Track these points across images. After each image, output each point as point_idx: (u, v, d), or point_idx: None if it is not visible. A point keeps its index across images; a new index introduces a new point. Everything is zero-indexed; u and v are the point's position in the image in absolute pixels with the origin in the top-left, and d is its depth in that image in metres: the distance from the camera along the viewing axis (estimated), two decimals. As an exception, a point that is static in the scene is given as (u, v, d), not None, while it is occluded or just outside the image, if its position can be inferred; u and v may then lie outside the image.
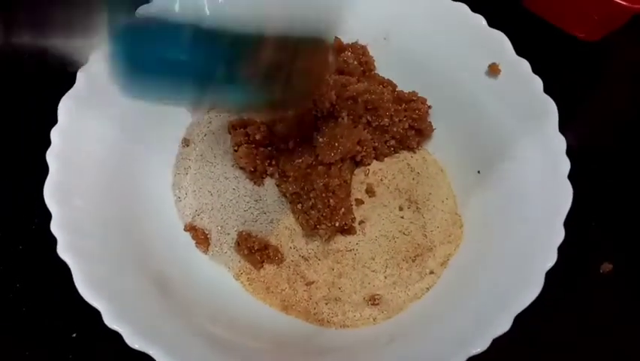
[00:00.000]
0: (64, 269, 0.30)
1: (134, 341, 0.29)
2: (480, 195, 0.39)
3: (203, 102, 0.31)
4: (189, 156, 0.42)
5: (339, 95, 0.38)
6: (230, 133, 0.42)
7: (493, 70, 0.39)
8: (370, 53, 0.44)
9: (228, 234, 0.39)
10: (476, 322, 0.31)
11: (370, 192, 0.41)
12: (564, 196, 0.34)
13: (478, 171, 0.40)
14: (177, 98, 0.31)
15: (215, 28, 0.29)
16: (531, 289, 0.31)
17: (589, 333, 0.38)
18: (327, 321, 0.36)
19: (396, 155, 0.43)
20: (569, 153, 0.35)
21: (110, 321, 0.29)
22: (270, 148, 0.40)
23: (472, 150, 0.41)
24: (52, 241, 0.31)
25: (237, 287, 0.38)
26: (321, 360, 0.34)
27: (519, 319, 0.30)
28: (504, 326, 0.30)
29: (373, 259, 0.39)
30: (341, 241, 0.39)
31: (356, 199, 0.41)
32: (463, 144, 0.41)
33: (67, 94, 0.36)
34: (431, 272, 0.38)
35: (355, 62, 0.42)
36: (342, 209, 0.38)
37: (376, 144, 0.41)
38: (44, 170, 0.33)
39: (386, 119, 0.41)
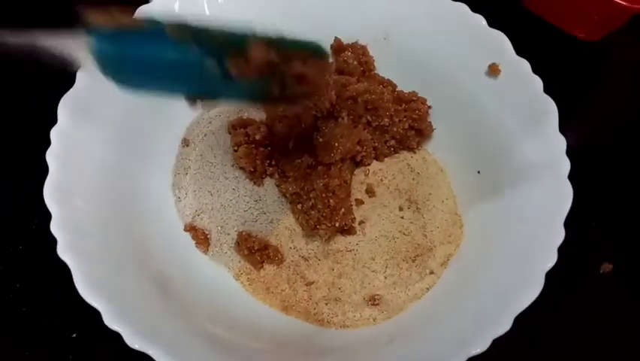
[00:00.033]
0: (64, 269, 0.30)
1: (133, 341, 0.29)
2: (480, 195, 0.39)
3: (199, 98, 0.31)
4: (189, 156, 0.42)
5: (339, 95, 0.38)
6: (230, 133, 0.42)
7: (493, 70, 0.39)
8: (370, 53, 0.44)
9: (228, 234, 0.39)
10: (476, 322, 0.31)
11: (370, 192, 0.41)
12: (564, 196, 0.34)
13: (478, 171, 0.40)
14: (169, 94, 0.31)
15: (204, 27, 0.29)
16: (531, 290, 0.31)
17: (589, 333, 0.38)
18: (327, 321, 0.37)
19: (397, 155, 0.43)
20: (569, 153, 0.35)
21: (110, 321, 0.29)
22: (270, 148, 0.40)
23: (472, 150, 0.41)
24: (52, 241, 0.31)
25: (237, 287, 0.38)
26: (321, 360, 0.34)
27: (519, 319, 0.30)
28: (504, 326, 0.30)
29: (373, 260, 0.39)
30: (341, 241, 0.39)
31: (356, 199, 0.41)
32: (463, 144, 0.41)
33: (67, 94, 0.36)
34: (431, 272, 0.38)
35: (355, 62, 0.42)
36: (342, 209, 0.38)
37: (376, 144, 0.41)
38: (44, 170, 0.33)
39: (386, 119, 0.41)
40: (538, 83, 0.37)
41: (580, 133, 0.45)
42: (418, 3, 0.41)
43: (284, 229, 0.40)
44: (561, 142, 0.35)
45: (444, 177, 0.42)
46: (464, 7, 0.40)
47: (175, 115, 0.42)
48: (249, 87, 0.29)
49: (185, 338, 0.32)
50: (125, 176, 0.37)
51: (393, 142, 0.42)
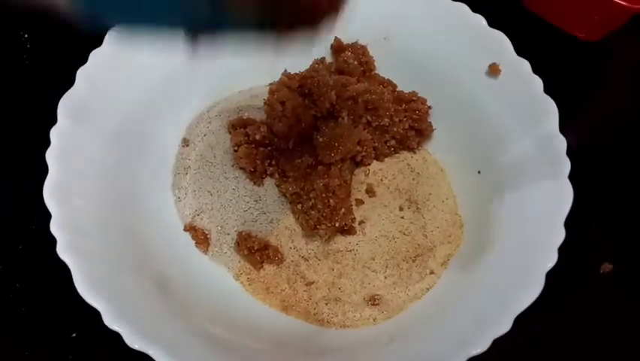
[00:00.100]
0: (64, 269, 0.30)
1: (133, 341, 0.29)
2: (480, 195, 0.39)
3: (196, 33, 0.28)
4: (189, 156, 0.42)
5: (339, 95, 0.38)
6: (230, 133, 0.42)
7: (493, 70, 0.39)
8: (370, 53, 0.44)
9: (228, 234, 0.39)
10: (476, 322, 0.31)
11: (370, 192, 0.41)
12: (564, 196, 0.34)
13: (479, 171, 0.40)
14: (161, 27, 0.27)
15: None
16: (531, 290, 0.31)
17: (589, 333, 0.38)
18: (327, 321, 0.36)
19: (397, 155, 0.43)
20: (569, 153, 0.35)
21: (110, 321, 0.29)
22: (270, 148, 0.40)
23: (472, 150, 0.41)
24: (52, 241, 0.31)
25: (237, 287, 0.38)
26: (321, 360, 0.34)
27: (519, 319, 0.30)
28: (504, 326, 0.30)
29: (373, 260, 0.39)
30: (341, 241, 0.39)
31: (356, 199, 0.41)
32: (463, 144, 0.41)
33: (66, 94, 0.36)
34: (431, 272, 0.38)
35: (355, 62, 0.42)
36: (342, 209, 0.38)
37: (376, 144, 0.41)
38: (44, 170, 0.33)
39: (386, 119, 0.41)
40: (538, 83, 0.37)
41: (580, 133, 0.45)
42: (418, 3, 0.41)
43: (284, 229, 0.40)
44: (561, 142, 0.35)
45: (444, 177, 0.42)
46: (464, 7, 0.40)
47: (175, 115, 0.42)
48: (246, 14, 0.25)
49: (185, 338, 0.32)
50: (125, 176, 0.37)
51: (393, 142, 0.42)
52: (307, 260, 0.39)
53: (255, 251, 0.38)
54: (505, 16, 0.40)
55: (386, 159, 0.42)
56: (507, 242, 0.35)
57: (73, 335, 0.36)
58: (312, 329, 0.36)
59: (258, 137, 0.40)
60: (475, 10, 0.40)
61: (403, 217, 0.40)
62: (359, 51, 0.43)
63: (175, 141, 0.42)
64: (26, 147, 0.39)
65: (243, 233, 0.39)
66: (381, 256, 0.39)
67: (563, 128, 0.36)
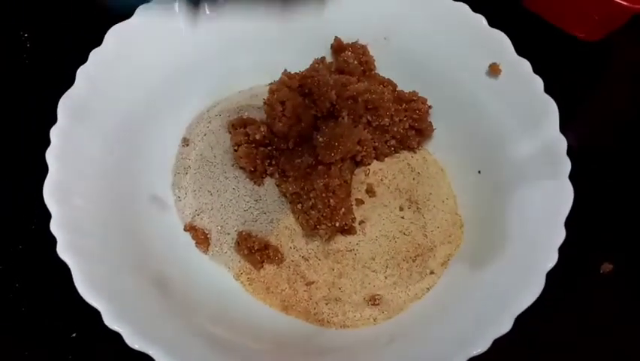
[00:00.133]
0: (64, 269, 0.30)
1: (134, 341, 0.29)
2: (480, 195, 0.39)
3: None
4: (189, 156, 0.42)
5: (339, 95, 0.38)
6: (230, 133, 0.42)
7: (493, 70, 0.39)
8: (370, 53, 0.44)
9: (228, 234, 0.39)
10: (477, 322, 0.31)
11: (370, 192, 0.41)
12: (564, 196, 0.34)
13: (479, 171, 0.40)
14: None
15: None
16: (531, 290, 0.31)
17: (589, 333, 0.38)
18: (327, 321, 0.36)
19: (397, 155, 0.43)
20: (569, 153, 0.35)
21: (110, 321, 0.29)
22: (270, 148, 0.40)
23: (472, 150, 0.41)
24: (52, 241, 0.31)
25: (237, 287, 0.38)
26: (321, 360, 0.34)
27: (519, 319, 0.30)
28: (504, 326, 0.30)
29: (373, 259, 0.38)
30: (341, 241, 0.39)
31: (356, 199, 0.41)
32: (463, 144, 0.41)
33: (66, 93, 0.36)
34: (431, 272, 0.38)
35: (355, 62, 0.42)
36: (343, 209, 0.38)
37: (376, 144, 0.41)
38: (44, 170, 0.33)
39: (386, 119, 0.41)
40: (538, 83, 0.37)
41: (580, 133, 0.45)
42: (418, 3, 0.41)
43: (284, 228, 0.40)
44: (561, 142, 0.35)
45: (444, 177, 0.42)
46: (464, 7, 0.40)
47: (175, 115, 0.42)
48: None
49: (186, 338, 0.32)
50: (125, 176, 0.37)
51: (393, 142, 0.42)
52: (307, 260, 0.39)
53: (255, 251, 0.38)
54: (505, 16, 0.40)
55: (386, 158, 0.42)
56: (507, 242, 0.35)
57: (73, 335, 0.36)
58: (312, 329, 0.36)
59: (258, 137, 0.40)
60: (475, 10, 0.40)
61: (403, 217, 0.40)
62: (359, 51, 0.43)
63: (175, 140, 0.42)
64: (26, 147, 0.39)
65: (243, 233, 0.39)
66: (381, 256, 0.39)
67: (563, 128, 0.36)
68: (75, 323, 0.36)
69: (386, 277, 0.38)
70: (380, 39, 0.43)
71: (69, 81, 0.36)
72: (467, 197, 0.40)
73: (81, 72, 0.37)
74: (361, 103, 0.40)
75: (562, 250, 0.32)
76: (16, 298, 0.37)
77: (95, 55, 0.37)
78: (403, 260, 0.38)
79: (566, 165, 0.35)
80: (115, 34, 0.38)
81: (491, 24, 0.39)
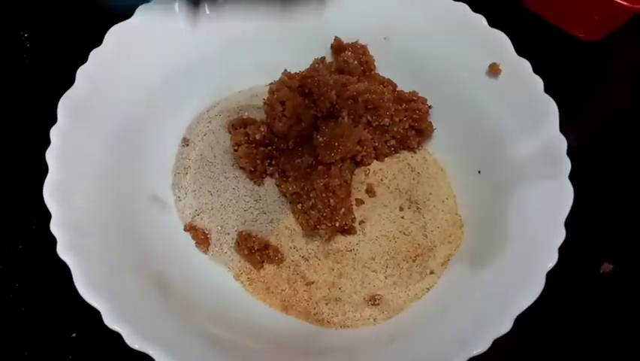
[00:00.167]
0: (64, 269, 0.30)
1: (134, 341, 0.29)
2: (480, 195, 0.39)
3: None
4: (189, 156, 0.42)
5: (339, 95, 0.38)
6: (230, 133, 0.42)
7: (493, 70, 0.39)
8: (370, 53, 0.44)
9: (228, 234, 0.39)
10: (477, 322, 0.31)
11: (370, 192, 0.41)
12: (565, 196, 0.34)
13: (479, 171, 0.40)
14: None
15: None
16: (531, 290, 0.31)
17: (589, 333, 0.38)
18: (327, 321, 0.36)
19: (397, 155, 0.43)
20: (569, 153, 0.35)
21: (110, 321, 0.29)
22: (270, 148, 0.40)
23: (472, 150, 0.41)
24: (52, 241, 0.31)
25: (237, 287, 0.38)
26: (321, 360, 0.34)
27: (519, 319, 0.30)
28: (504, 326, 0.30)
29: (373, 259, 0.38)
30: (341, 241, 0.39)
31: (356, 199, 0.41)
32: (463, 144, 0.41)
33: (66, 93, 0.36)
34: (431, 272, 0.38)
35: (355, 62, 0.42)
36: (343, 209, 0.38)
37: (376, 144, 0.41)
38: (44, 170, 0.33)
39: (386, 119, 0.41)
40: (538, 83, 0.37)
41: (580, 133, 0.45)
42: (418, 3, 0.41)
43: (284, 228, 0.40)
44: (561, 142, 0.35)
45: (444, 177, 0.42)
46: (464, 7, 0.40)
47: (175, 115, 0.42)
48: None
49: (185, 338, 0.32)
50: (125, 176, 0.37)
51: (393, 142, 0.42)
52: (307, 260, 0.39)
53: (255, 251, 0.38)
54: (505, 16, 0.40)
55: (386, 158, 0.42)
56: (507, 242, 0.35)
57: (73, 335, 0.36)
58: (312, 329, 0.36)
59: (258, 137, 0.40)
60: (475, 10, 0.40)
61: (403, 217, 0.40)
62: (359, 51, 0.43)
63: (175, 140, 0.42)
64: (26, 147, 0.39)
65: (243, 233, 0.39)
66: (381, 256, 0.39)
67: (563, 128, 0.36)
68: (75, 323, 0.36)
69: (386, 277, 0.38)
70: (380, 39, 0.43)
71: (69, 81, 0.36)
72: (467, 197, 0.40)
73: (81, 72, 0.37)
74: (361, 103, 0.40)
75: (562, 250, 0.32)
76: (16, 298, 0.37)
77: (95, 55, 0.37)
78: (403, 260, 0.38)
79: (566, 165, 0.35)
80: (115, 34, 0.38)
81: (491, 24, 0.39)
